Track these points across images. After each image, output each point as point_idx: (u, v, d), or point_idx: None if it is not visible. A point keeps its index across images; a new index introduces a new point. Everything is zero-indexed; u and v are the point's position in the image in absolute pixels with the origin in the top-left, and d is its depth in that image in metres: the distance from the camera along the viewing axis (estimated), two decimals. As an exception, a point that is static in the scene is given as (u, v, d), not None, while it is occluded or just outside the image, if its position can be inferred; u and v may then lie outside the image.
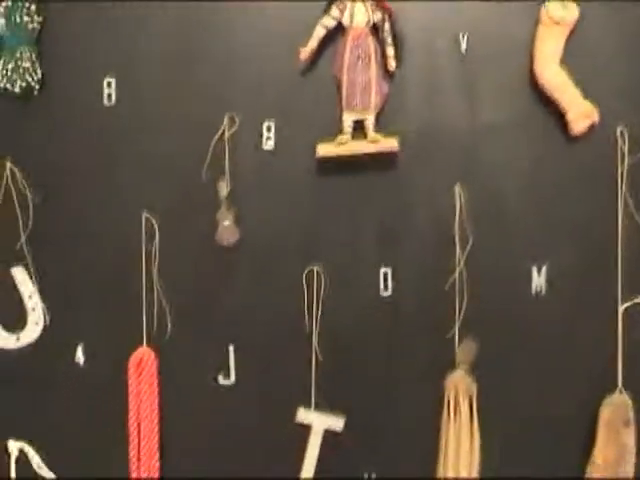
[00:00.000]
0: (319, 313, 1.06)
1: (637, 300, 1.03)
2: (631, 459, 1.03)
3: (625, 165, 1.00)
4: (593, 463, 1.04)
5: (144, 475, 1.07)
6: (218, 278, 1.07)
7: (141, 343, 1.08)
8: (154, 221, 1.06)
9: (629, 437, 1.04)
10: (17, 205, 1.06)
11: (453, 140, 1.03)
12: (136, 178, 1.06)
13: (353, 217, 1.05)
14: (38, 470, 1.09)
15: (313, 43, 1.00)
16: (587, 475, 1.04)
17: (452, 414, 1.05)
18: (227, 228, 1.06)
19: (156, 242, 1.06)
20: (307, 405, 1.06)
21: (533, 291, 1.05)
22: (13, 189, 1.06)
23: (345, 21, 0.99)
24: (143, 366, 1.08)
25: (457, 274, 1.04)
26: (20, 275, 1.08)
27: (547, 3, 0.97)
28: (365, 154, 1.01)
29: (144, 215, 1.06)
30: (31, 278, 1.08)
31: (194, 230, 1.06)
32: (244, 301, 1.07)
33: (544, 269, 1.05)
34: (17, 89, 1.04)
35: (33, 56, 1.03)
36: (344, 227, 1.05)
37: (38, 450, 1.09)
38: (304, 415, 1.06)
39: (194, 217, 1.05)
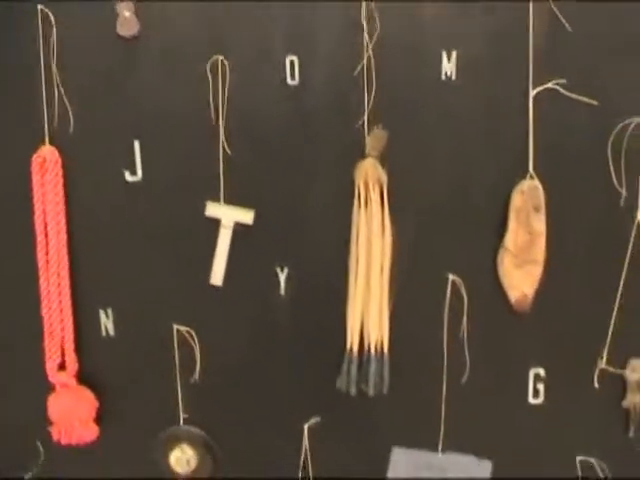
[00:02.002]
0: (225, 105, 1.16)
1: (548, 85, 1.16)
2: (541, 243, 1.18)
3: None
4: (504, 249, 1.18)
5: (53, 277, 1.20)
6: (121, 71, 1.16)
7: (43, 142, 1.18)
8: (50, 14, 1.14)
9: (539, 222, 1.17)
10: None
11: None
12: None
13: (259, 6, 1.14)
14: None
15: None
16: (498, 260, 1.21)
17: (362, 204, 1.17)
18: (128, 20, 1.16)
19: (54, 35, 1.15)
20: (216, 199, 1.19)
21: (443, 77, 1.16)
22: None
23: None
24: (47, 166, 1.18)
25: (365, 60, 1.14)
26: None
27: None
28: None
29: (39, 7, 1.13)
30: None
31: (92, 21, 1.14)
32: (148, 95, 1.17)
33: (454, 54, 1.15)
34: None
35: None
36: (250, 17, 1.14)
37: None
38: (213, 209, 1.19)
39: (91, 8, 1.13)
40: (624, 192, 1.18)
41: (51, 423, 1.21)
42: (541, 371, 1.26)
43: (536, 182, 1.18)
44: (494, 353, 1.24)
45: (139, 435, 1.26)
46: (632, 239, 1.19)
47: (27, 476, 1.24)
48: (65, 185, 1.20)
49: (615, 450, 1.28)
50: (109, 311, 1.24)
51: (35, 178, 1.19)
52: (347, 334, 1.20)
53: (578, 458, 1.28)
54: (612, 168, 1.17)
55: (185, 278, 1.21)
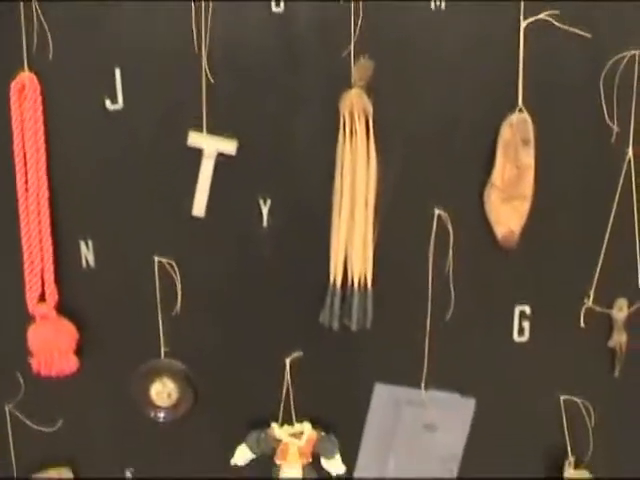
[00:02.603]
0: (208, 32, 1.17)
1: (540, 16, 1.17)
2: (529, 178, 1.20)
3: None
4: (491, 184, 1.21)
5: (32, 206, 1.23)
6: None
7: (22, 68, 1.18)
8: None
9: (528, 156, 1.20)
10: None
11: None
12: None
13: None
14: None
15: None
16: (485, 195, 1.24)
17: (348, 135, 1.18)
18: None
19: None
20: (198, 129, 1.20)
21: (432, 6, 1.18)
22: None
23: None
24: (26, 93, 1.18)
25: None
26: None
27: None
28: None
29: None
30: None
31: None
32: (130, 22, 1.18)
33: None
34: None
35: None
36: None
37: None
38: (195, 139, 1.20)
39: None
40: (615, 127, 1.19)
41: (31, 354, 1.24)
42: (527, 309, 1.29)
43: (525, 115, 1.19)
44: (479, 290, 1.27)
45: (120, 368, 1.29)
46: (622, 176, 1.20)
47: (7, 407, 1.26)
48: (44, 113, 1.20)
49: (600, 390, 1.32)
50: (89, 242, 1.26)
51: (14, 105, 1.19)
52: (330, 268, 1.22)
53: (562, 397, 1.31)
54: (604, 102, 1.19)
55: (166, 209, 1.23)
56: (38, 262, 1.23)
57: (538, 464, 1.38)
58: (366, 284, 1.23)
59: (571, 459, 1.35)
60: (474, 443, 1.35)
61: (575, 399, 1.33)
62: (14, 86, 1.19)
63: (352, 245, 1.22)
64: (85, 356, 1.27)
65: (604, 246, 1.26)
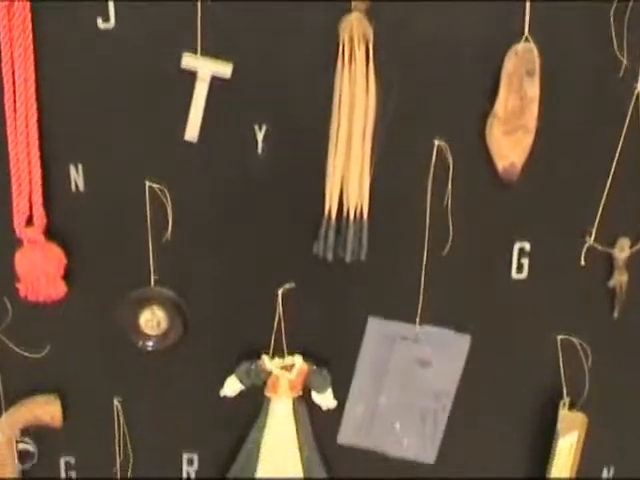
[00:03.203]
0: None
1: None
2: (533, 110, 1.21)
3: None
4: (494, 117, 1.21)
5: (21, 128, 1.23)
6: None
7: None
8: None
9: (532, 87, 1.20)
10: None
11: None
12: None
13: None
14: None
15: None
16: (487, 127, 1.25)
17: (347, 61, 1.18)
18: None
19: None
20: (193, 50, 1.19)
21: None
22: None
23: None
24: (14, 10, 1.20)
25: None
26: None
27: None
28: None
29: None
30: None
31: None
32: None
33: None
34: None
35: None
36: None
37: None
38: (189, 61, 1.19)
39: None
40: (625, 60, 1.19)
41: (18, 279, 1.26)
42: (526, 245, 1.31)
43: (531, 45, 1.18)
44: (478, 224, 1.28)
45: (108, 295, 1.31)
46: (630, 111, 1.21)
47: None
48: (34, 31, 1.20)
49: (598, 330, 1.35)
50: (79, 166, 1.27)
51: (2, 22, 1.19)
52: (325, 198, 1.23)
53: (559, 337, 1.33)
54: (614, 35, 1.18)
55: (158, 133, 1.23)
56: (26, 185, 1.24)
57: (532, 404, 1.41)
58: (362, 215, 1.24)
59: (566, 400, 1.37)
60: (468, 380, 1.37)
61: (572, 339, 1.36)
62: (2, 2, 1.18)
63: (348, 175, 1.22)
64: (73, 282, 1.29)
65: (608, 184, 1.26)
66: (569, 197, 1.29)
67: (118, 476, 1.41)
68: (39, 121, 1.22)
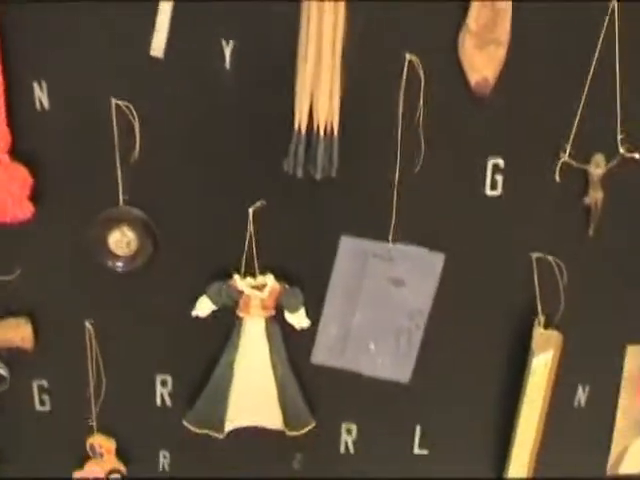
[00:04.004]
0: None
1: None
2: (506, 23, 1.22)
3: None
4: (466, 28, 1.22)
5: None
6: None
7: None
8: None
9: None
10: None
11: None
12: None
13: None
14: None
15: None
16: (459, 41, 1.27)
17: None
18: None
19: None
20: None
21: None
22: None
23: None
24: None
25: None
26: None
27: None
28: None
29: None
30: None
31: None
32: None
33: None
34: None
35: None
36: None
37: None
38: None
39: None
40: None
41: None
42: (500, 161, 1.33)
43: None
44: (451, 140, 1.30)
45: (77, 216, 1.33)
46: (605, 24, 1.24)
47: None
48: None
49: (573, 248, 1.38)
50: (43, 83, 1.27)
51: None
52: (295, 114, 1.24)
53: (534, 255, 1.36)
54: None
55: (123, 49, 1.23)
56: (-12, 104, 1.14)
57: (507, 322, 1.45)
58: (332, 131, 1.26)
59: (541, 318, 1.41)
60: (442, 299, 1.41)
61: (547, 257, 1.38)
62: None
63: (318, 91, 1.23)
64: (41, 203, 1.31)
65: (583, 98, 1.28)
66: (544, 112, 1.30)
67: (92, 399, 1.46)
68: (1, 36, 1.22)
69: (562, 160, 1.33)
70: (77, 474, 1.50)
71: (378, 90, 1.26)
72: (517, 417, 1.44)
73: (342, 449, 1.55)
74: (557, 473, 1.53)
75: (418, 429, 1.54)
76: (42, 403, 1.49)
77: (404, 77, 1.26)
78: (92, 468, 1.51)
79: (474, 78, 1.26)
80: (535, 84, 1.28)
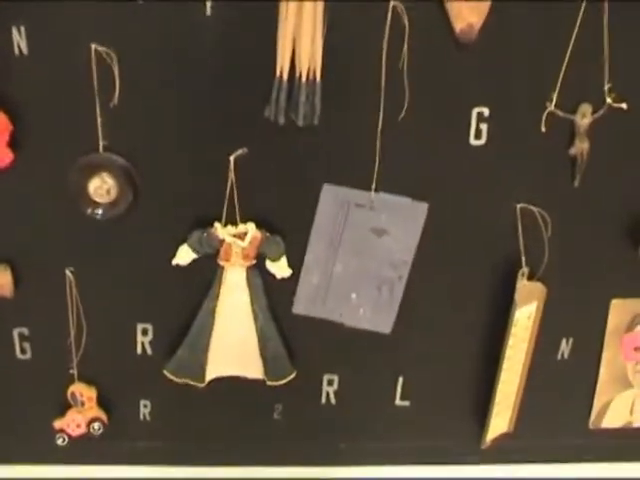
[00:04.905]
0: None
1: None
2: None
3: None
4: None
5: None
6: None
7: None
8: None
9: None
10: None
11: None
12: None
13: None
14: None
15: None
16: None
17: None
18: None
19: None
20: None
21: None
22: None
23: None
24: None
25: None
26: None
27: None
28: None
29: None
30: None
31: None
32: None
33: None
34: None
35: None
36: None
37: None
38: None
39: None
40: None
41: None
42: (485, 110, 1.35)
43: None
44: (435, 88, 1.32)
45: (56, 162, 1.36)
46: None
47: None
48: None
49: (558, 199, 1.41)
50: (22, 28, 1.29)
51: None
52: (277, 60, 1.26)
53: (518, 205, 1.39)
54: None
55: None
56: (-35, 48, 1.14)
57: (491, 274, 1.49)
58: (314, 78, 1.27)
59: (525, 270, 1.43)
60: (425, 250, 1.45)
61: (532, 208, 1.41)
62: None
63: (300, 36, 1.25)
64: (20, 150, 1.33)
65: (570, 46, 1.29)
66: (530, 60, 1.32)
67: (72, 347, 1.50)
68: (-22, -20, 1.13)
69: (548, 110, 1.34)
70: (58, 422, 1.51)
71: (362, 36, 1.28)
72: (500, 369, 1.46)
73: (323, 400, 1.58)
74: (539, 426, 1.52)
75: (400, 380, 1.56)
76: (23, 351, 1.53)
77: (388, 23, 1.27)
78: (73, 416, 1.55)
79: (459, 25, 1.27)
80: (521, 32, 1.30)
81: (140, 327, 1.52)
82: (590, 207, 1.44)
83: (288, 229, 1.41)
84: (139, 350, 1.54)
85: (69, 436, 1.56)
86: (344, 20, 1.26)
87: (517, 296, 1.43)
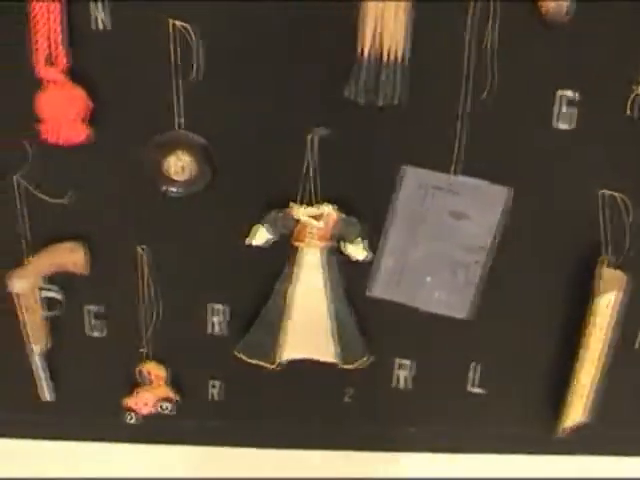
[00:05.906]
0: None
1: None
2: None
3: None
4: None
5: None
6: None
7: None
8: None
9: None
10: None
11: None
12: None
13: None
14: None
15: None
16: None
17: None
18: None
19: None
20: None
21: None
22: None
23: None
24: None
25: None
26: None
27: None
28: None
29: None
30: None
31: None
32: None
33: None
34: None
35: None
36: None
37: None
38: None
39: None
40: None
41: (39, 121, 1.31)
42: (570, 94, 1.34)
43: None
44: (520, 70, 1.32)
45: (133, 139, 1.37)
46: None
47: (16, 175, 1.38)
48: None
49: (640, 186, 1.28)
50: (102, 3, 1.31)
51: None
52: (358, 38, 1.26)
53: (601, 191, 1.37)
54: None
55: None
56: (45, 22, 1.28)
57: (571, 260, 1.48)
58: (396, 57, 1.28)
59: (606, 257, 1.41)
60: (505, 235, 1.44)
61: (614, 194, 1.39)
62: None
63: (383, 15, 1.26)
64: (96, 125, 1.35)
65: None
66: (617, 43, 1.30)
67: (143, 326, 1.53)
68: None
69: (635, 94, 1.31)
70: (128, 401, 1.52)
71: (446, 14, 1.28)
72: (577, 358, 1.46)
73: (394, 384, 1.57)
74: (615, 416, 1.50)
75: (473, 367, 1.53)
76: (94, 329, 1.53)
77: (473, 3, 1.24)
78: (143, 394, 1.56)
79: (548, 4, 1.26)
80: (611, 12, 1.29)
81: (212, 307, 1.54)
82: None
83: (365, 211, 1.36)
84: (210, 330, 1.55)
85: (138, 414, 1.55)
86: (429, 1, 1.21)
87: (598, 284, 1.41)
